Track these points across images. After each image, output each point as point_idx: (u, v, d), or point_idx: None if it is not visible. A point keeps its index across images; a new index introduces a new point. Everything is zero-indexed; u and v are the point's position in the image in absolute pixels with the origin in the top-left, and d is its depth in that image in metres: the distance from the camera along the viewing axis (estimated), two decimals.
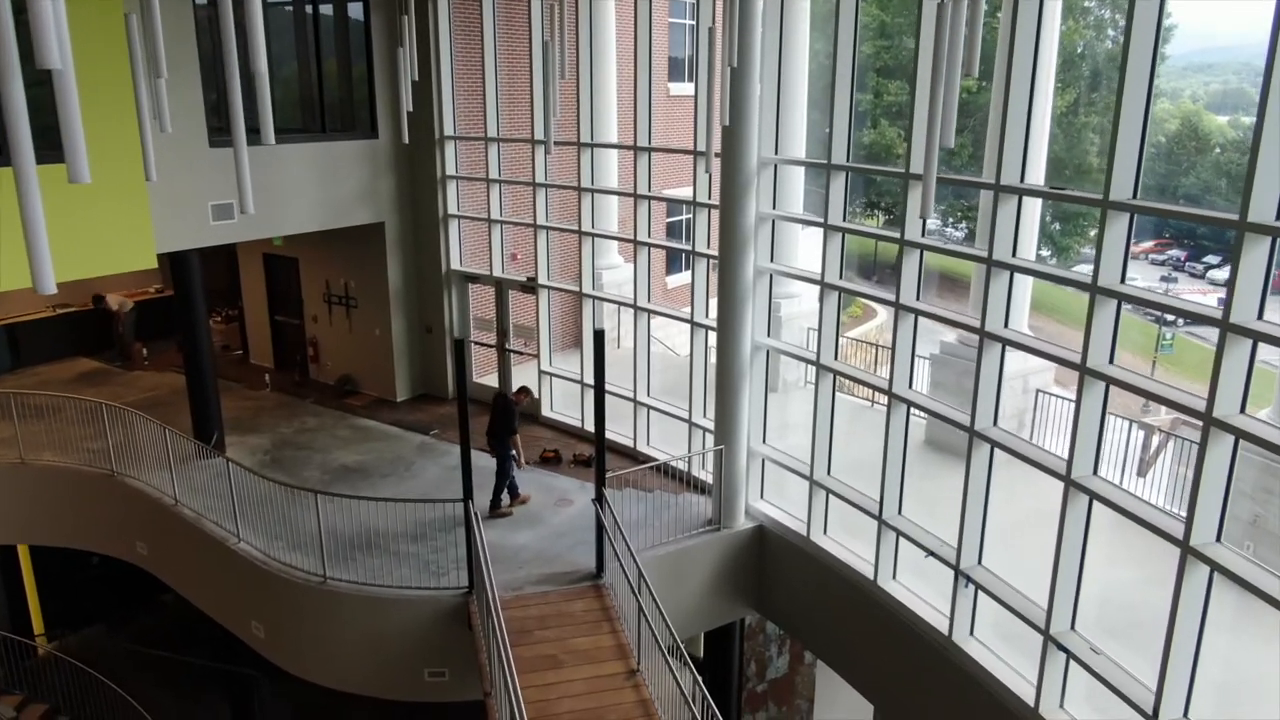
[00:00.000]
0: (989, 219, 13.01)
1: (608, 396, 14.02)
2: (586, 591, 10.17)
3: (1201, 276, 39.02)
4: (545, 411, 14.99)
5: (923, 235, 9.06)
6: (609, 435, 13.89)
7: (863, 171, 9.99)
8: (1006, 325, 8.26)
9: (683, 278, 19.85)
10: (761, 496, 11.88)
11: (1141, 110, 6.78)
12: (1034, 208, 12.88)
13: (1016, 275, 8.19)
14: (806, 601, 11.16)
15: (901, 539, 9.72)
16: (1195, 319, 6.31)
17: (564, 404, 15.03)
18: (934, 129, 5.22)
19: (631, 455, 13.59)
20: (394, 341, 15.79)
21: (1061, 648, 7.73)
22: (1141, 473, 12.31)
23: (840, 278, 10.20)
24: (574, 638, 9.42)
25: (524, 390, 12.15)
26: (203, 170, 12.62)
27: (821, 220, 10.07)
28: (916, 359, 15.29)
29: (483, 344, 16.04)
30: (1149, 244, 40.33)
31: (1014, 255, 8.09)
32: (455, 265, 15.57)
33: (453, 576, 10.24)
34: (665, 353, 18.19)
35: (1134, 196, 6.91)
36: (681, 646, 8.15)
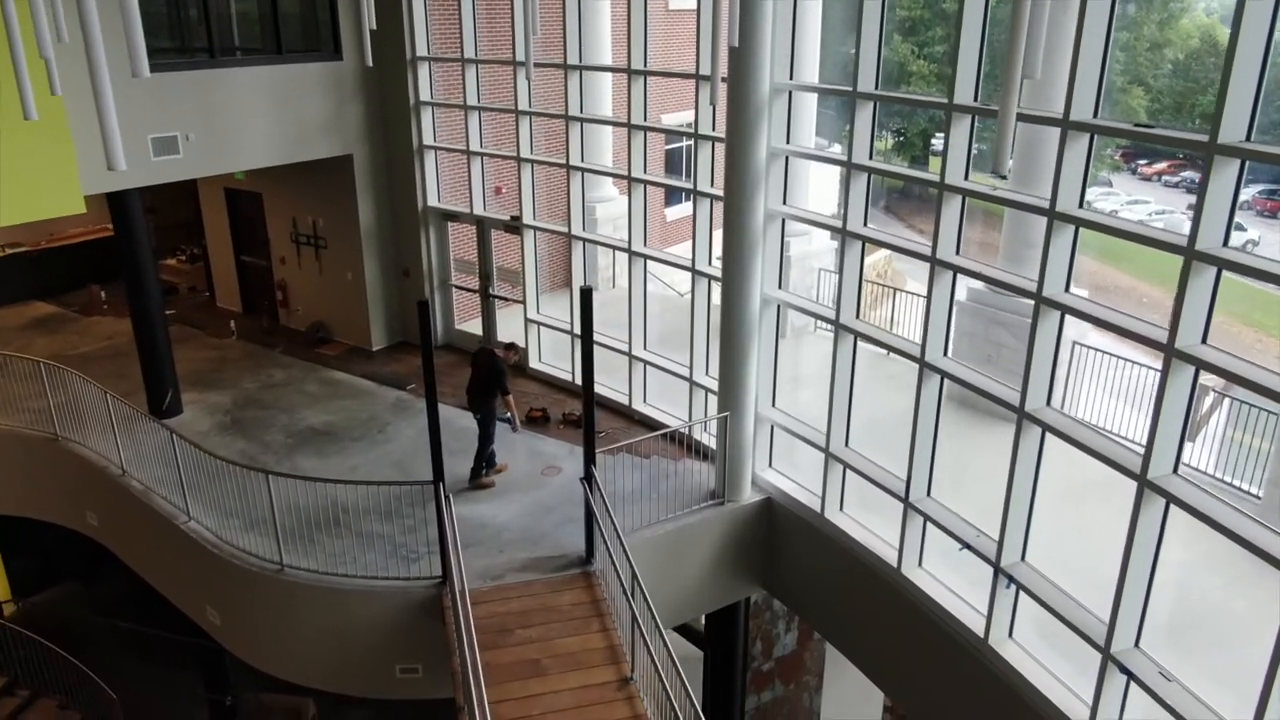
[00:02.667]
0: (1021, 151, 11.68)
1: (600, 350, 12.84)
2: (575, 581, 9.07)
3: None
4: (532, 363, 13.74)
5: (966, 178, 7.68)
6: (600, 390, 12.74)
7: (896, 101, 8.55)
8: (1068, 289, 6.94)
9: (684, 209, 18.40)
10: (770, 465, 10.71)
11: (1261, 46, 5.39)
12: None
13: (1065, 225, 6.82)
14: (820, 585, 10.09)
15: (930, 524, 8.56)
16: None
17: (553, 354, 13.77)
18: (1016, 55, 3.85)
19: (626, 414, 12.41)
20: (367, 286, 14.45)
21: (1124, 669, 6.63)
22: (1190, 436, 11.10)
23: (865, 224, 8.84)
24: (560, 637, 8.34)
25: (512, 346, 10.87)
26: (139, 98, 11.12)
27: (844, 157, 8.66)
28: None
29: (464, 288, 14.70)
30: (1163, 165, 38.70)
31: (1081, 205, 6.73)
32: (432, 202, 14.14)
33: (425, 563, 9.13)
34: (664, 293, 16.85)
35: (1248, 139, 5.54)
36: (681, 672, 7.04)
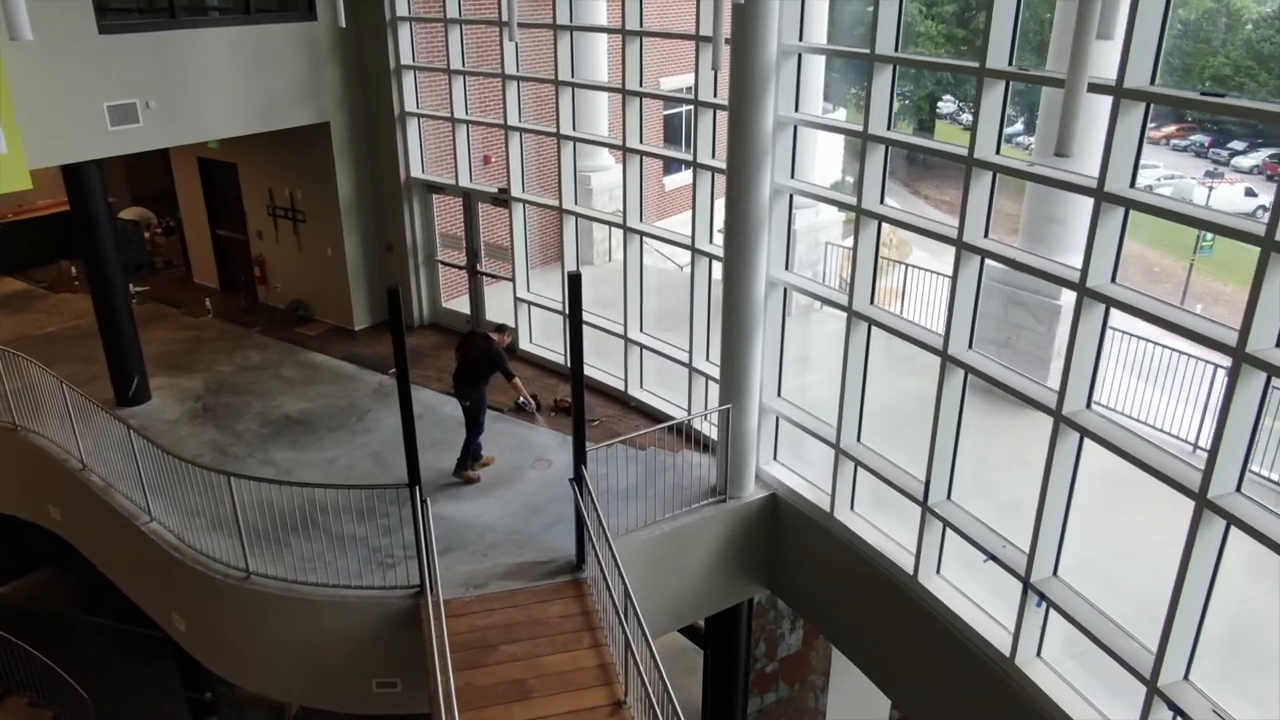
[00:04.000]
0: (1047, 119, 10.82)
1: (594, 332, 12.09)
2: (564, 589, 8.38)
3: (1225, 164, 36.62)
4: (523, 344, 12.98)
5: (997, 153, 6.86)
6: (594, 374, 12.00)
7: (919, 65, 7.72)
8: (1115, 279, 6.16)
9: (684, 177, 17.52)
10: (775, 458, 9.99)
11: None
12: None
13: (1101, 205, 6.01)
14: (828, 589, 9.42)
15: (951, 530, 7.85)
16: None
17: (544, 335, 13.01)
18: (1090, 12, 3.09)
19: (621, 400, 11.67)
20: (348, 262, 13.65)
21: (1173, 706, 5.95)
22: None
23: (881, 201, 8.04)
24: (548, 654, 7.66)
25: (504, 328, 10.10)
26: (94, 63, 10.28)
27: (857, 127, 7.83)
28: (945, 280, 13.39)
29: (451, 264, 13.90)
30: (1171, 128, 37.61)
31: (1133, 185, 5.93)
32: (416, 173, 13.29)
33: (403, 570, 8.44)
34: (663, 265, 16.06)
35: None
36: (675, 705, 6.36)
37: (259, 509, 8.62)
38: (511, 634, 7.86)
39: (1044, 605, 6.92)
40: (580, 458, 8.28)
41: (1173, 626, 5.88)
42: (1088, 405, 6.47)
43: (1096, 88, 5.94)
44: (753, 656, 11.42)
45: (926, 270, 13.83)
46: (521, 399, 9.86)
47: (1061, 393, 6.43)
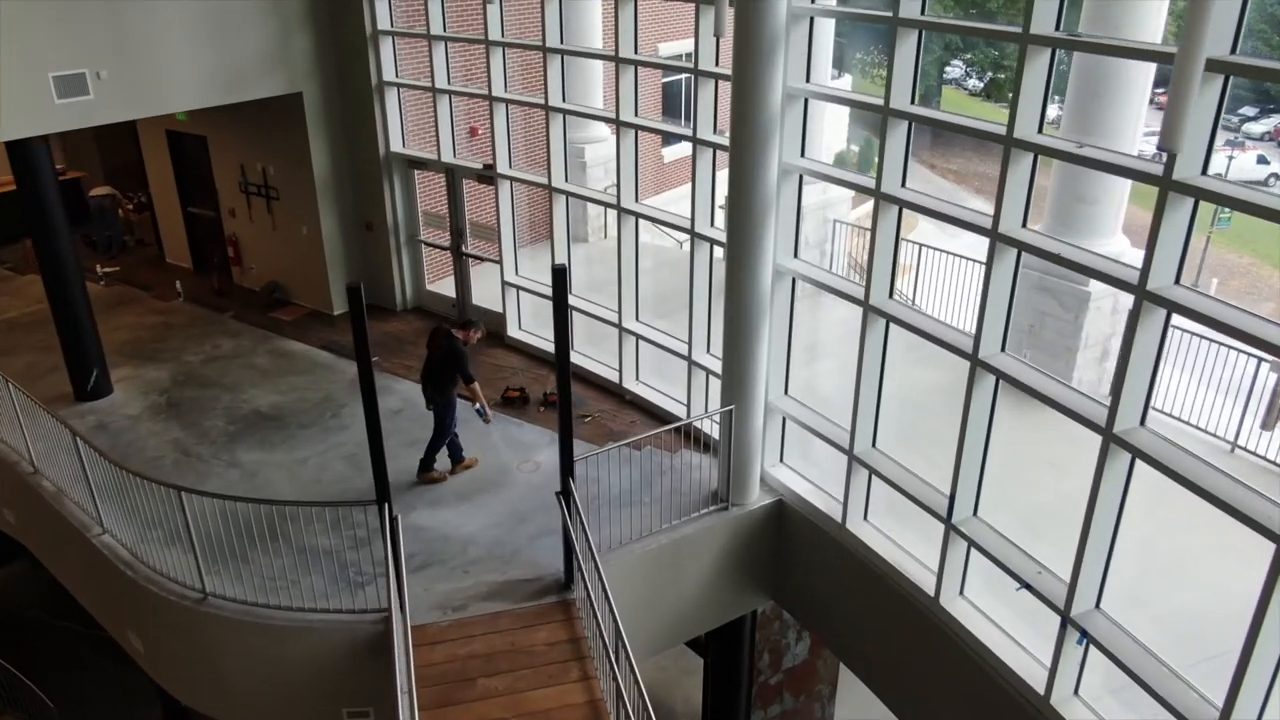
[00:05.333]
0: (1078, 89, 9.92)
1: (588, 320, 11.28)
2: (552, 612, 7.64)
3: (1236, 130, 35.63)
4: (511, 331, 12.18)
5: (1039, 131, 5.99)
6: (587, 365, 11.23)
7: (951, 30, 6.83)
8: (1178, 280, 5.33)
9: (683, 149, 16.60)
10: (781, 460, 9.23)
11: None
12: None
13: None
14: (838, 605, 8.69)
15: (977, 551, 7.09)
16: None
17: (533, 321, 12.20)
18: None
19: (616, 393, 10.88)
20: (325, 242, 12.79)
21: None
22: (1268, 425, 9.62)
23: (903, 184, 7.19)
24: (532, 689, 6.94)
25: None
26: (36, 29, 9.36)
27: (880, 102, 6.96)
28: (969, 264, 12.55)
29: (435, 245, 13.05)
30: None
31: (1205, 172, 5.08)
32: (396, 147, 12.40)
33: (375, 589, 7.69)
34: (660, 243, 15.19)
35: None
36: None
37: (219, 519, 7.85)
38: (492, 664, 7.14)
39: (1085, 642, 6.17)
40: (568, 469, 7.49)
41: (1244, 680, 5.12)
42: (1142, 423, 5.67)
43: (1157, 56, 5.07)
44: (756, 669, 10.73)
45: (937, 249, 12.99)
46: (477, 406, 9.02)
47: (1113, 409, 5.63)
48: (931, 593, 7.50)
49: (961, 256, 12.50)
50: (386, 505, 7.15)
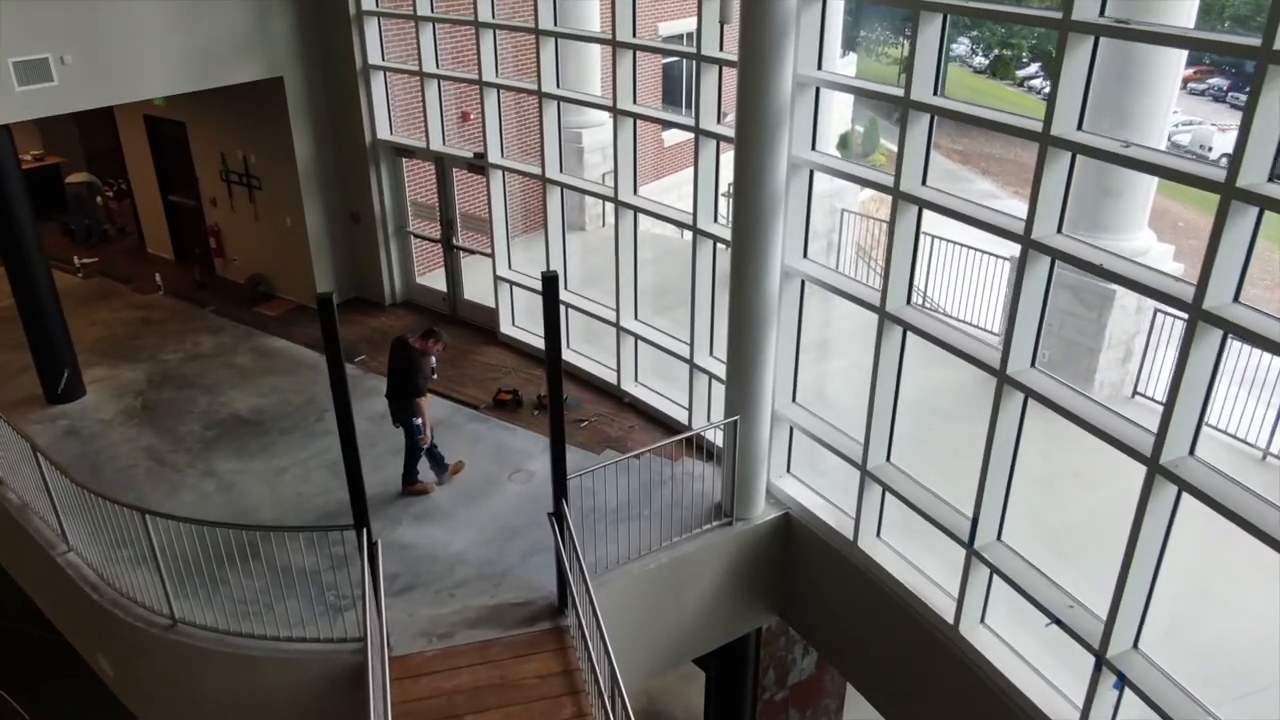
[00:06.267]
0: (1103, 79, 9.31)
1: (584, 318, 10.74)
2: (544, 641, 7.14)
3: (1243, 107, 34.88)
4: (504, 328, 11.64)
5: (1079, 127, 5.43)
6: (583, 364, 10.70)
7: (981, 15, 6.22)
8: (1238, 298, 4.78)
9: (684, 132, 15.98)
10: (788, 470, 8.72)
11: None
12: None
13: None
14: (850, 626, 8.21)
15: (1001, 578, 6.59)
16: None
17: (527, 317, 11.65)
18: None
19: (614, 395, 10.35)
20: (309, 233, 12.20)
21: None
22: None
23: (924, 182, 6.62)
24: None
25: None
26: None
27: (900, 93, 6.38)
28: (995, 260, 11.95)
29: (424, 237, 12.48)
30: (1189, 71, 35.77)
31: (1274, 178, 4.52)
32: (383, 135, 11.81)
33: (357, 614, 7.18)
34: (660, 232, 14.59)
35: None
36: None
37: (190, 539, 7.34)
38: (480, 700, 6.65)
39: (1122, 687, 5.67)
40: (560, 491, 6.97)
41: None
42: (1191, 452, 5.15)
43: (1237, 48, 4.51)
44: (760, 686, 10.26)
45: (942, 239, 12.39)
46: (418, 420, 8.45)
47: (1160, 436, 5.10)
48: (950, 620, 7.01)
49: (968, 246, 11.94)
50: (365, 530, 6.62)
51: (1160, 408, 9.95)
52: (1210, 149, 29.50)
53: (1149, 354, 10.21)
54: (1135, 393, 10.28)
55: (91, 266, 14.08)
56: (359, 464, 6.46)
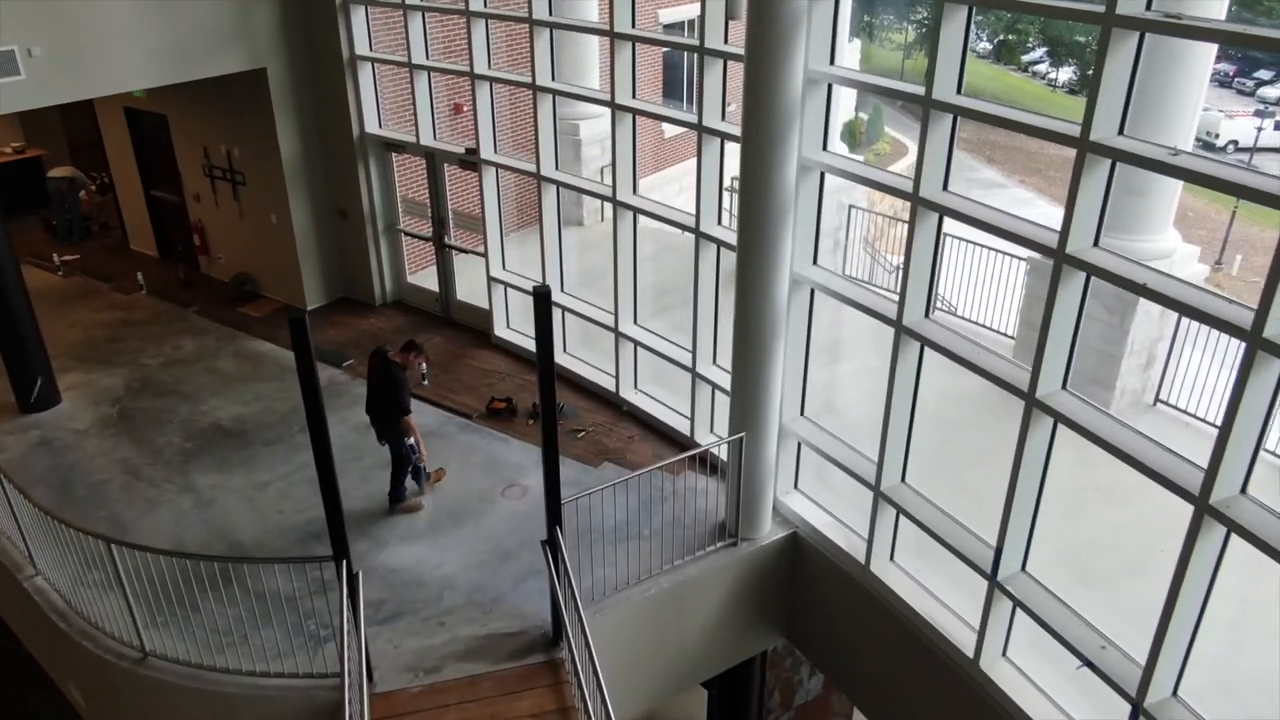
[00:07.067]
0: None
1: (581, 322, 10.29)
2: (537, 675, 6.71)
3: (1251, 94, 34.35)
4: (498, 330, 11.18)
5: (1120, 132, 4.95)
6: (581, 370, 10.26)
7: (1013, 8, 5.67)
8: None
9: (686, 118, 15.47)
10: (796, 486, 8.28)
11: None
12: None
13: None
14: (861, 654, 7.79)
15: (1026, 613, 6.15)
16: None
17: (523, 319, 11.17)
18: None
19: (613, 403, 9.90)
20: (296, 231, 11.72)
21: None
22: None
23: (945, 187, 6.15)
24: None
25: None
26: None
27: (920, 91, 5.90)
28: (1008, 259, 11.47)
29: (415, 235, 12.00)
30: None
31: None
32: (372, 128, 11.31)
33: (338, 645, 6.75)
34: (660, 226, 14.09)
35: None
36: None
37: (162, 562, 6.89)
38: None
39: None
40: (554, 517, 6.52)
41: None
42: (1243, 489, 4.69)
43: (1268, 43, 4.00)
44: (766, 708, 9.86)
45: (953, 236, 11.92)
46: (410, 440, 8.03)
47: (1211, 473, 4.64)
48: (970, 654, 6.58)
49: (982, 245, 11.47)
50: (345, 562, 6.18)
51: (1184, 416, 9.59)
52: (1217, 135, 28.95)
53: (1172, 359, 9.77)
54: (1157, 400, 9.84)
55: (72, 264, 13.60)
56: (338, 494, 6.00)
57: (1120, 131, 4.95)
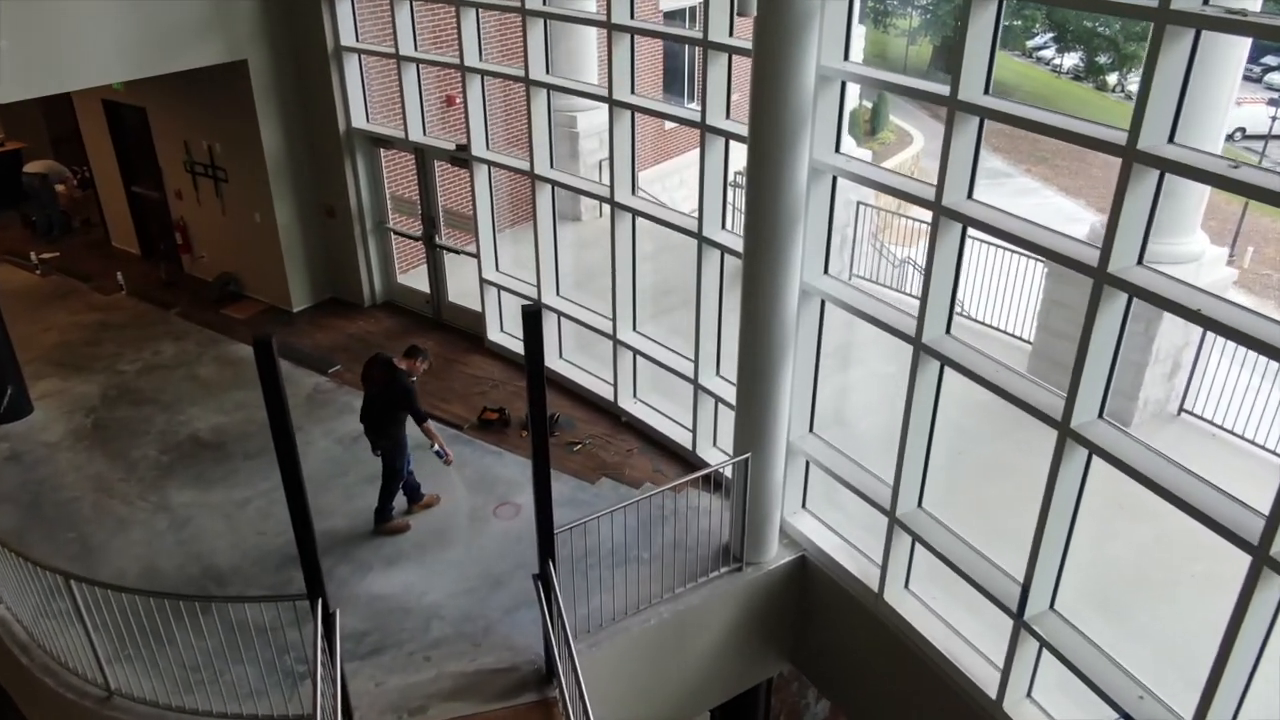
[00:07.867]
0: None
1: (573, 326, 9.82)
2: (529, 715, 6.27)
3: (1258, 80, 33.80)
4: (491, 334, 10.71)
5: (1171, 140, 4.47)
6: (577, 378, 9.79)
7: (1059, 4, 5.20)
8: None
9: (687, 113, 14.95)
10: (804, 506, 7.83)
11: None
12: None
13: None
14: (873, 688, 7.36)
15: (1055, 657, 5.71)
16: None
17: (517, 323, 10.60)
18: None
19: (612, 413, 9.44)
20: (280, 229, 11.23)
21: None
22: None
23: (970, 194, 5.67)
24: None
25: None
26: None
27: (945, 91, 5.42)
28: (1028, 260, 10.94)
29: (404, 234, 11.51)
30: None
31: None
32: (359, 123, 10.80)
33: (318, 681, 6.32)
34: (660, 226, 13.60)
35: None
36: None
37: (139, 581, 6.47)
38: None
39: None
40: (547, 549, 6.06)
41: None
42: None
43: None
44: None
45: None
46: (435, 447, 7.59)
47: (1273, 523, 4.18)
48: (993, 694, 6.14)
49: (990, 243, 10.99)
50: (321, 600, 5.73)
51: (1209, 427, 9.12)
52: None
53: (1197, 367, 9.32)
54: (1181, 409, 9.40)
55: (51, 262, 13.11)
56: (312, 531, 5.54)
57: (1170, 139, 4.46)
